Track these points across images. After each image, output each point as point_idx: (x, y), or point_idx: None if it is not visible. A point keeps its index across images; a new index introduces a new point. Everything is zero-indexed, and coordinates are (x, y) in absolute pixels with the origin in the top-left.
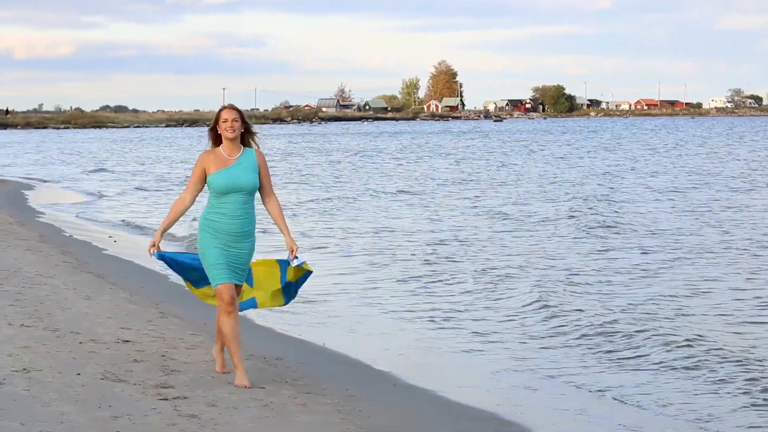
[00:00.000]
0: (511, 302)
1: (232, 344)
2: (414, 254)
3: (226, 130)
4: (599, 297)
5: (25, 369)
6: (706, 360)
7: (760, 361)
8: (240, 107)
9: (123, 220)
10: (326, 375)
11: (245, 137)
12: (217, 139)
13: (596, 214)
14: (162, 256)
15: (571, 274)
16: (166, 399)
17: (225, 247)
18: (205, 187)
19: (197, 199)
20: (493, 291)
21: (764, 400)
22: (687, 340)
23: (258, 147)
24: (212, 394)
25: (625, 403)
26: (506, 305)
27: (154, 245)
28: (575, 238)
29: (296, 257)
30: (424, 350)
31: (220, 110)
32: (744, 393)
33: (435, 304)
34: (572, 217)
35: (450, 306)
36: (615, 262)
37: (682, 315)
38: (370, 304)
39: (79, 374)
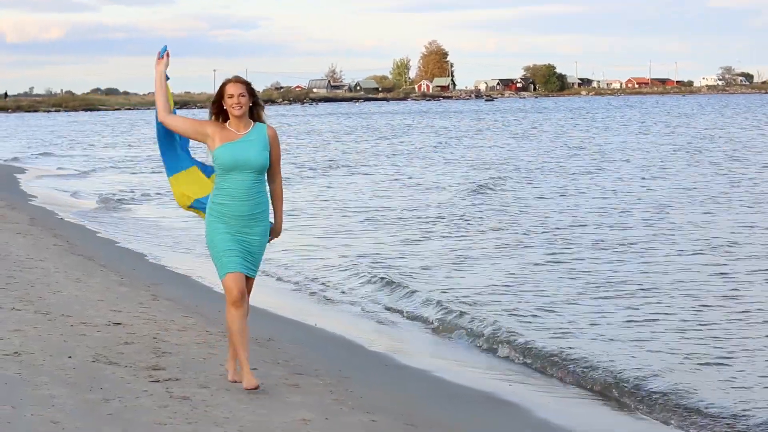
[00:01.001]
0: (503, 276)
1: (238, 341)
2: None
3: (232, 107)
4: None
5: (16, 352)
6: None
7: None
8: None
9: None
10: (318, 356)
11: (254, 111)
12: (219, 115)
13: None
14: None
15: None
16: (158, 381)
17: (234, 232)
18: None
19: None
20: (473, 266)
21: None
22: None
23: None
24: (204, 375)
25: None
26: (497, 280)
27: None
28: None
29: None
30: (419, 331)
31: (225, 83)
32: None
33: (429, 284)
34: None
35: (444, 286)
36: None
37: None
38: (360, 283)
39: (70, 357)
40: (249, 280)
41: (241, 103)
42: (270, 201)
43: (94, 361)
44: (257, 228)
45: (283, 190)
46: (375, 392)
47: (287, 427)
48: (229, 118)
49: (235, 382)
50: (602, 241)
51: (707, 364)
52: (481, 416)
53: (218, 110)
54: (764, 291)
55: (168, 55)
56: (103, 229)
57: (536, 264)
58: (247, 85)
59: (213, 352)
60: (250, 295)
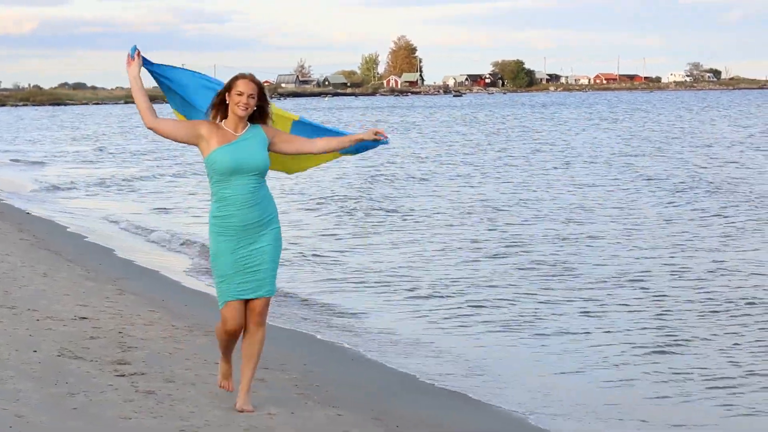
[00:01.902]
0: (472, 272)
1: (223, 349)
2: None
3: (238, 105)
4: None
5: None
6: None
7: None
8: None
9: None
10: (284, 350)
11: (256, 115)
12: (220, 110)
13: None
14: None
15: None
16: (123, 375)
17: (239, 247)
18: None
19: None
20: (447, 257)
21: None
22: None
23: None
24: (169, 370)
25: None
26: (467, 276)
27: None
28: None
29: (386, 139)
30: (386, 324)
31: (237, 78)
32: None
33: (396, 275)
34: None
35: (411, 279)
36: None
37: None
38: (328, 279)
39: (35, 351)
40: (262, 300)
41: (249, 105)
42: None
43: (59, 356)
44: (267, 236)
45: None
46: (340, 386)
47: (253, 421)
48: (227, 116)
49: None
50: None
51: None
52: (448, 409)
53: (221, 104)
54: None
55: (139, 54)
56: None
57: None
58: (260, 88)
59: (179, 347)
60: (266, 316)
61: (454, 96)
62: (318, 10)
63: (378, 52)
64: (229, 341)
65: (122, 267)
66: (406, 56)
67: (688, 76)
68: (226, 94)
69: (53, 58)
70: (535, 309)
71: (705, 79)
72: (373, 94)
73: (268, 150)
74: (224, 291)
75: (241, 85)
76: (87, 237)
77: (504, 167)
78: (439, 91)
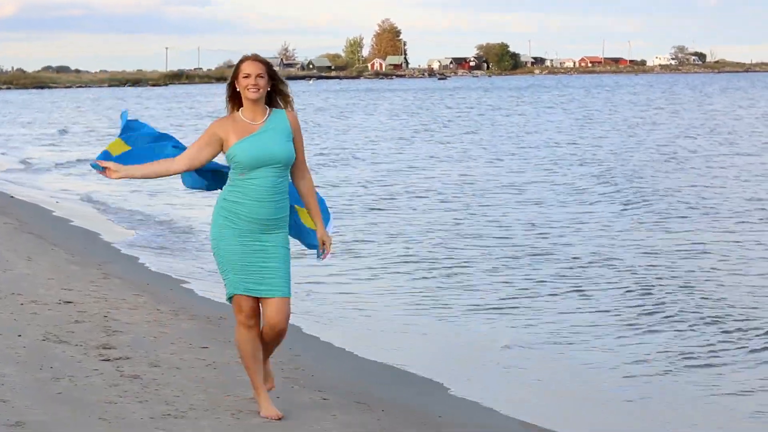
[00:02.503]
0: (444, 263)
1: (249, 364)
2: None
3: (247, 89)
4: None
5: None
6: None
7: None
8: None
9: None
10: None
11: (273, 98)
12: (235, 100)
13: None
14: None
15: None
16: (108, 360)
17: (246, 242)
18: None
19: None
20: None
21: None
22: None
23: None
24: (155, 354)
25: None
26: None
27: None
28: None
29: (322, 253)
30: (366, 316)
31: (241, 62)
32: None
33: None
34: None
35: (390, 271)
36: None
37: None
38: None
39: (20, 336)
40: (280, 304)
41: (259, 86)
42: (303, 201)
43: (44, 340)
44: (275, 236)
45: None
46: (326, 371)
47: (238, 405)
48: (242, 105)
49: (279, 418)
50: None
51: None
52: (431, 396)
53: (234, 93)
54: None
55: (106, 167)
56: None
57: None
58: (267, 66)
59: (164, 331)
60: (288, 322)
61: (438, 79)
62: None
63: (362, 35)
64: (254, 343)
65: (107, 251)
66: (390, 39)
67: (673, 59)
68: (235, 82)
69: (36, 41)
70: (516, 295)
71: (690, 63)
72: (358, 77)
73: None
74: (234, 282)
75: (246, 67)
76: (72, 221)
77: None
78: (423, 74)
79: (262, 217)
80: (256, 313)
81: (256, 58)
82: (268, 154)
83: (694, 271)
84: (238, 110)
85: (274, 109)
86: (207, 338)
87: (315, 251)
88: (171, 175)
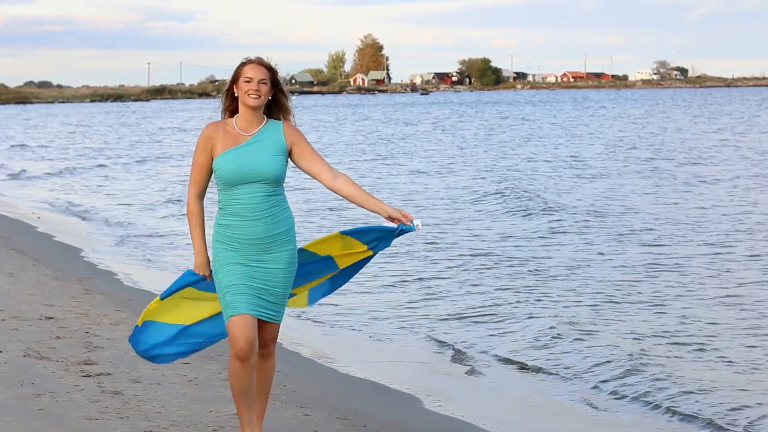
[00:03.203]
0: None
1: (240, 401)
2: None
3: (247, 95)
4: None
5: None
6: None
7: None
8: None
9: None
10: None
11: (272, 109)
12: (232, 107)
13: None
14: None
15: None
16: (90, 376)
17: (245, 262)
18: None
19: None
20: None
21: None
22: None
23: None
24: (136, 370)
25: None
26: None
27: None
28: None
29: (411, 223)
30: (347, 332)
31: (242, 64)
32: None
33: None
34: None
35: (369, 287)
36: None
37: None
38: None
39: (1, 352)
40: (271, 326)
41: (261, 92)
42: (351, 200)
43: (25, 356)
44: (278, 255)
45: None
46: (307, 387)
47: (220, 421)
48: (238, 112)
49: None
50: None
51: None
52: (411, 411)
53: (231, 100)
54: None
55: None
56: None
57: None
58: (272, 72)
59: None
60: (275, 344)
61: (421, 94)
62: (283, 8)
63: (345, 50)
64: (246, 381)
65: (88, 266)
66: (372, 54)
67: (655, 74)
68: (234, 87)
69: (18, 56)
70: (491, 309)
71: (672, 77)
72: (340, 92)
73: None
74: (230, 303)
75: (249, 71)
76: (56, 237)
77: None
78: (406, 90)
79: (258, 235)
80: (253, 346)
81: (260, 62)
82: (250, 169)
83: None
84: (232, 117)
85: (271, 120)
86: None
87: (407, 229)
88: (201, 214)
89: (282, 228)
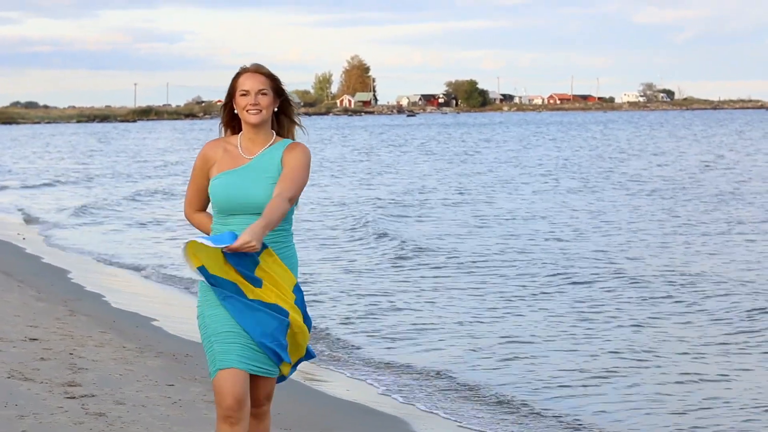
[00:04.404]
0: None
1: None
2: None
3: (246, 111)
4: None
5: None
6: None
7: None
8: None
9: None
10: None
11: (283, 122)
12: (233, 123)
13: None
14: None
15: None
16: (74, 397)
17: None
18: None
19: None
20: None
21: None
22: None
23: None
24: (120, 392)
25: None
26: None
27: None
28: None
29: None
30: (331, 353)
31: (237, 76)
32: None
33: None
34: None
35: (347, 303)
36: None
37: None
38: None
39: None
40: (266, 381)
41: (260, 106)
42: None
43: (9, 377)
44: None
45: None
46: (292, 409)
47: None
48: (242, 129)
49: None
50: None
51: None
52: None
53: (230, 117)
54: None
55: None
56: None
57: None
58: (272, 80)
59: (129, 368)
60: (270, 403)
61: (408, 116)
62: (270, 29)
63: (331, 71)
64: None
65: (74, 288)
66: (359, 76)
67: (641, 96)
68: (233, 102)
69: (5, 76)
70: (471, 326)
71: (658, 100)
72: (327, 113)
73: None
74: (217, 355)
75: (245, 81)
76: (43, 258)
77: None
78: (392, 111)
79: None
80: (243, 405)
81: (257, 70)
82: (243, 197)
83: None
84: (235, 135)
85: (281, 139)
86: (173, 376)
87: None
88: (190, 215)
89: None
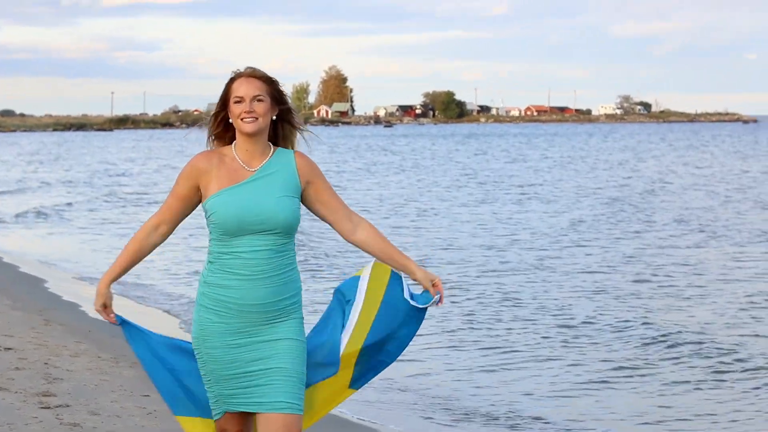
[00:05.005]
0: None
1: None
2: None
3: (241, 120)
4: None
5: None
6: None
7: None
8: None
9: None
10: None
11: (279, 131)
12: (223, 133)
13: None
14: (126, 324)
15: None
16: (48, 407)
17: (239, 341)
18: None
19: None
20: None
21: None
22: None
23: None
24: (95, 402)
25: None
26: None
27: (105, 306)
28: None
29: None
30: None
31: (231, 81)
32: None
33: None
34: None
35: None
36: None
37: None
38: None
39: None
40: (286, 419)
41: (257, 113)
42: (377, 256)
43: None
44: (284, 328)
45: None
46: None
47: None
48: (236, 139)
49: None
50: None
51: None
52: None
53: (222, 126)
54: None
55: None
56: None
57: None
58: (270, 84)
59: (105, 379)
60: None
61: (385, 126)
62: (248, 39)
63: (309, 81)
64: None
65: (49, 297)
66: (336, 86)
67: (618, 108)
68: (227, 111)
69: None
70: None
71: (635, 112)
72: (304, 123)
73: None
74: (215, 397)
75: (239, 87)
76: (20, 267)
77: None
78: (369, 122)
79: (259, 301)
80: None
81: (252, 74)
82: (255, 214)
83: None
84: (229, 145)
85: (279, 148)
86: (148, 386)
87: (428, 302)
88: (155, 244)
89: (289, 293)
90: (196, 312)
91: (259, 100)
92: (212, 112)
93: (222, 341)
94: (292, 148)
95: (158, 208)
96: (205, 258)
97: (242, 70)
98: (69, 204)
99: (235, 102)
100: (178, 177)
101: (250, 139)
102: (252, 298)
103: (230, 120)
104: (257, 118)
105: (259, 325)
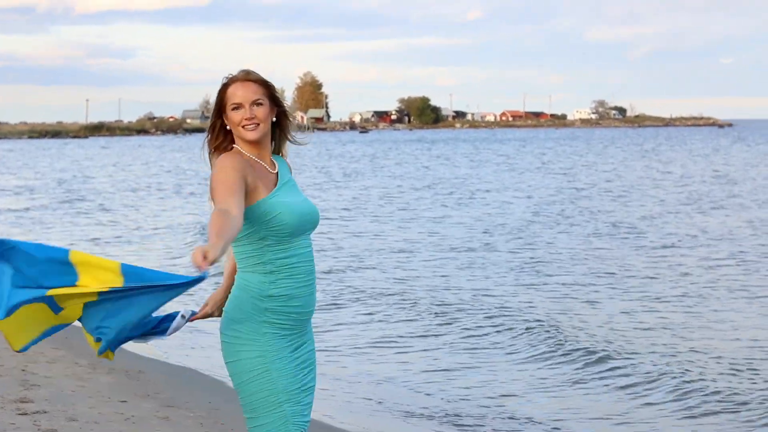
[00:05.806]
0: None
1: None
2: None
3: (243, 127)
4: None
5: None
6: None
7: None
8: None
9: None
10: (188, 388)
11: (277, 134)
12: (222, 140)
13: None
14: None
15: None
16: (26, 414)
17: (298, 347)
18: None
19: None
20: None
21: None
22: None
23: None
24: (73, 408)
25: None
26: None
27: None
28: None
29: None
30: None
31: (226, 86)
32: None
33: None
34: None
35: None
36: None
37: None
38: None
39: None
40: None
41: (258, 119)
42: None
43: None
44: (311, 332)
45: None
46: (241, 424)
47: None
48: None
49: None
50: None
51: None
52: None
53: (220, 133)
54: None
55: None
56: None
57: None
58: (266, 86)
59: (82, 385)
60: None
61: (360, 132)
62: (223, 45)
63: (284, 87)
64: None
65: None
66: (312, 92)
67: (593, 113)
68: (224, 118)
69: None
70: (426, 341)
71: (610, 117)
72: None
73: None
74: (292, 415)
75: (235, 93)
76: None
77: None
78: (345, 128)
79: (311, 307)
80: None
81: (247, 77)
82: (310, 213)
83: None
84: (230, 149)
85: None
86: (125, 392)
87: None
88: (239, 228)
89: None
90: (251, 332)
91: (258, 104)
92: (208, 124)
93: (287, 353)
94: (282, 155)
95: (218, 198)
96: (252, 271)
97: (235, 74)
98: (27, 209)
99: (233, 109)
100: (227, 173)
101: (256, 145)
102: (308, 304)
103: (228, 128)
104: (259, 124)
105: (302, 334)
